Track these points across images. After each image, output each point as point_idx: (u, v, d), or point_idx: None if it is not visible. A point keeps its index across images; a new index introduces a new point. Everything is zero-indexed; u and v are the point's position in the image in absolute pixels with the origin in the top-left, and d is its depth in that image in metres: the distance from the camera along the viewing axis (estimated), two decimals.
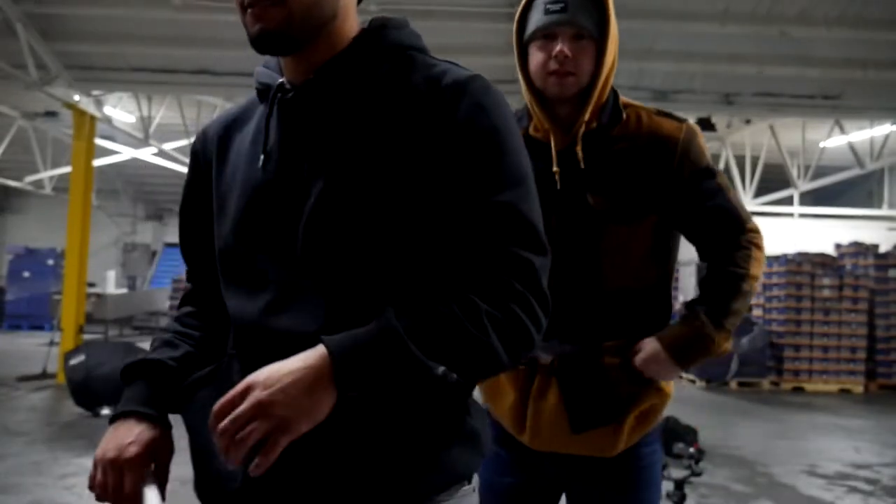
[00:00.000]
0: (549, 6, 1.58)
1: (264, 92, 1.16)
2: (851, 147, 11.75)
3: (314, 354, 0.93)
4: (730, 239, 1.67)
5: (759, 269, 1.68)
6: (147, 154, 14.33)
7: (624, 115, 1.66)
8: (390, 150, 1.05)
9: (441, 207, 1.04)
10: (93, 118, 9.75)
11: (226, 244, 1.15)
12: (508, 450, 1.71)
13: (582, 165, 1.60)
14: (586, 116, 1.61)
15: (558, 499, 1.79)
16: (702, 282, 1.72)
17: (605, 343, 1.64)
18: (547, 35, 1.60)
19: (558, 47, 1.58)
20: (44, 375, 9.09)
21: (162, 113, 11.56)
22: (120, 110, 11.42)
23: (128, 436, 1.10)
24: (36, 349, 11.28)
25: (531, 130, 1.68)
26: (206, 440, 1.08)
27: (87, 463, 5.21)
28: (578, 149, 1.61)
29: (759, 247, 1.69)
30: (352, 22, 1.13)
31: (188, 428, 1.15)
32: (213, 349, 1.21)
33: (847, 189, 17.28)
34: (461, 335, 0.96)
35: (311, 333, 0.99)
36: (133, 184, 20.72)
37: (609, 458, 1.66)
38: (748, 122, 12.46)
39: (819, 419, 8.49)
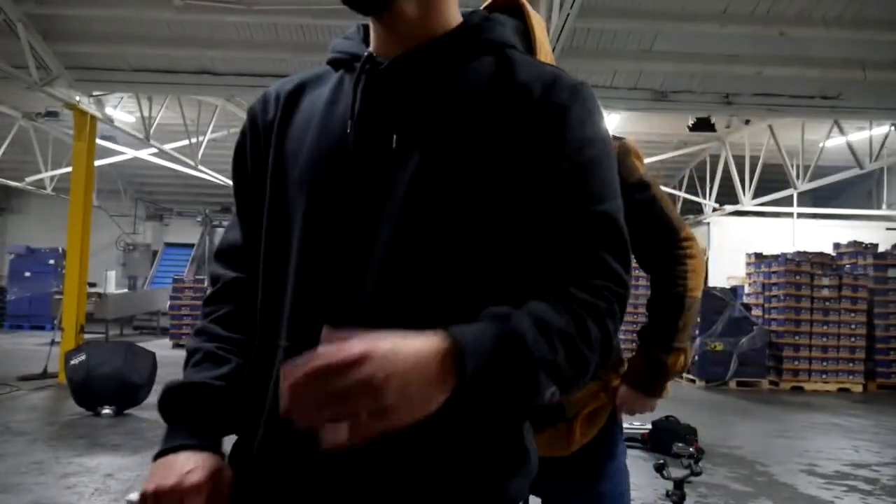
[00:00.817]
0: None
1: (344, 61, 1.11)
2: (850, 147, 11.75)
3: (440, 343, 0.83)
4: (665, 253, 1.83)
5: (696, 280, 1.83)
6: (147, 154, 14.35)
7: None
8: (491, 139, 1.00)
9: (539, 205, 1.00)
10: (93, 118, 9.76)
11: (286, 212, 1.06)
12: None
13: None
14: None
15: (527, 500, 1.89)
16: (648, 305, 1.89)
17: None
18: None
19: None
20: (45, 375, 9.10)
21: (162, 113, 11.57)
22: (120, 110, 11.43)
23: (187, 464, 0.98)
24: (37, 349, 11.29)
25: None
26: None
27: (88, 462, 5.22)
28: None
29: (693, 256, 1.84)
30: (453, 9, 1.09)
31: None
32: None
33: (846, 189, 17.29)
34: (575, 357, 0.92)
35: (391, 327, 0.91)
36: (133, 184, 20.73)
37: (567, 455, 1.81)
38: (747, 122, 12.48)
39: (818, 419, 8.51)
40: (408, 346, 0.80)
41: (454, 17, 1.09)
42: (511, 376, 0.85)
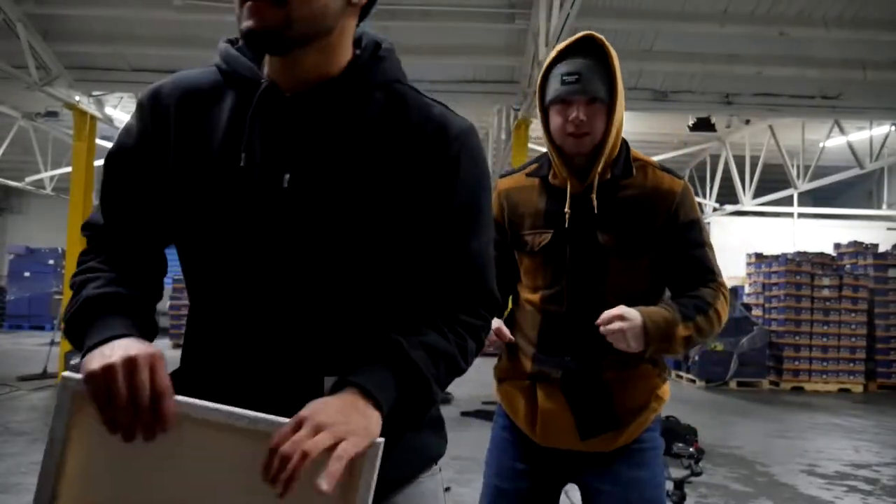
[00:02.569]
0: (564, 77, 1.80)
1: (238, 81, 1.13)
2: (851, 147, 11.75)
3: (346, 392, 1.01)
4: (701, 281, 1.86)
5: (723, 312, 1.85)
6: None
7: (634, 171, 1.88)
8: (382, 178, 1.10)
9: (428, 239, 1.13)
10: (93, 118, 9.76)
11: (198, 243, 1.14)
12: (520, 439, 1.93)
13: (595, 210, 1.84)
14: (599, 168, 1.84)
15: (563, 484, 1.96)
16: (671, 300, 1.87)
17: (604, 360, 1.84)
18: (564, 101, 1.81)
19: (574, 113, 1.79)
20: (44, 375, 9.10)
21: None
22: (120, 110, 11.42)
23: (138, 342, 1.00)
24: (37, 349, 11.29)
25: (550, 178, 1.92)
26: None
27: None
28: (593, 196, 1.84)
29: (726, 297, 1.87)
30: (347, 43, 1.13)
31: None
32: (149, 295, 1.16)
33: (846, 189, 17.30)
34: (454, 369, 1.14)
35: (301, 357, 1.11)
36: None
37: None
38: (748, 122, 12.47)
39: (818, 419, 8.51)
40: (325, 401, 0.98)
41: (347, 53, 1.14)
42: (416, 396, 1.07)
